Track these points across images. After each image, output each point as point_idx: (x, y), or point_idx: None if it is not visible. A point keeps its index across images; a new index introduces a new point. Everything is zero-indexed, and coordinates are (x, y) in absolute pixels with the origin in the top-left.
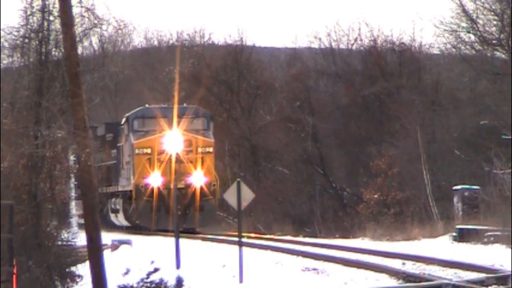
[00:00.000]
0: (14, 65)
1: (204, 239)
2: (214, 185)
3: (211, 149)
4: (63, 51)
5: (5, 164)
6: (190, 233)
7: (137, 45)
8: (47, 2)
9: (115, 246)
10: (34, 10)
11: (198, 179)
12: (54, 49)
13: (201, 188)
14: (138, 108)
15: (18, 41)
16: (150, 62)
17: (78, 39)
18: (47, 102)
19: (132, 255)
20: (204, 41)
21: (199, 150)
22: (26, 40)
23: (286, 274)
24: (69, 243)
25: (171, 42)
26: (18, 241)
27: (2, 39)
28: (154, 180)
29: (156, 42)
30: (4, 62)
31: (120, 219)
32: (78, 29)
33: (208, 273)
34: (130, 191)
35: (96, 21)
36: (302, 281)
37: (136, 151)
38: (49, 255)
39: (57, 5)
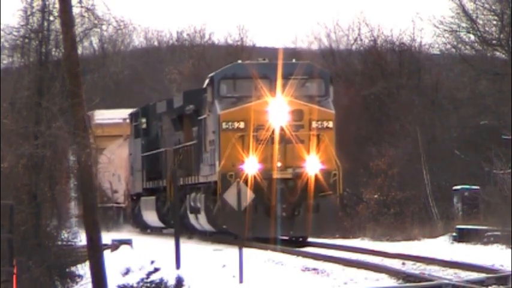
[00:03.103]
0: (14, 65)
1: (204, 239)
2: (335, 174)
3: (330, 124)
4: (63, 51)
5: (5, 164)
6: (300, 244)
7: (137, 46)
8: (47, 2)
9: (115, 246)
10: (34, 10)
11: (312, 166)
12: (54, 49)
13: (317, 179)
14: (227, 66)
15: (18, 41)
16: (150, 62)
17: (78, 39)
18: (47, 102)
19: (132, 255)
20: (204, 41)
21: (314, 125)
22: (26, 40)
23: (286, 274)
24: (69, 243)
25: (171, 42)
26: (18, 241)
27: (2, 39)
28: (249, 167)
29: (156, 43)
30: (4, 62)
31: (201, 222)
32: (78, 29)
33: (209, 273)
34: (215, 182)
35: (96, 22)
36: (302, 281)
37: (224, 125)
38: (49, 255)
39: (57, 5)
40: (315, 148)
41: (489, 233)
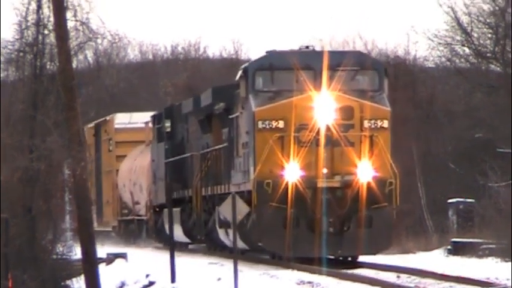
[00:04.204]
0: (9, 79)
1: (198, 252)
2: (391, 183)
3: (386, 123)
4: (58, 64)
5: (7, 174)
6: (350, 264)
7: (132, 59)
8: (41, 16)
9: (110, 260)
10: (29, 24)
11: (364, 172)
12: (49, 63)
13: (369, 188)
14: (263, 55)
15: (13, 55)
16: (145, 76)
17: (73, 52)
18: (42, 115)
19: (127, 269)
20: (199, 54)
21: (366, 124)
22: (21, 54)
23: (281, 287)
24: (64, 256)
25: (165, 56)
26: (14, 254)
27: None
28: (290, 173)
29: (150, 56)
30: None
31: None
32: (73, 43)
33: (204, 286)
34: (249, 191)
35: (91, 35)
36: None
37: (260, 125)
38: (44, 269)
39: (52, 19)
40: (368, 152)
41: (484, 246)
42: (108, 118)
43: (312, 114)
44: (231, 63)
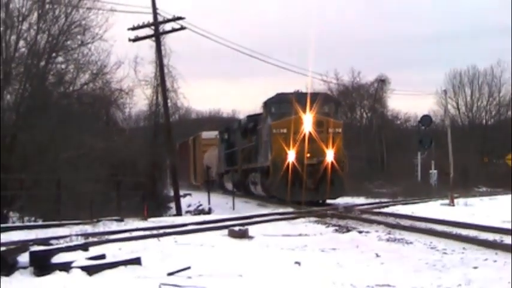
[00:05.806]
0: (145, 125)
1: (218, 193)
2: (343, 161)
3: (340, 130)
4: (164, 121)
5: (143, 163)
6: (321, 204)
7: (193, 117)
8: (157, 100)
9: (184, 195)
10: (152, 104)
11: (329, 156)
12: (161, 119)
13: (332, 164)
14: (274, 94)
15: (147, 116)
16: (200, 124)
17: (170, 115)
18: (158, 141)
19: (191, 199)
20: (219, 116)
21: (330, 130)
22: (149, 116)
23: (250, 206)
24: (167, 194)
25: (206, 116)
26: (147, 195)
27: (140, 117)
28: (290, 156)
29: (201, 117)
30: (141, 124)
31: (258, 190)
32: (170, 111)
33: (220, 206)
34: (268, 166)
35: (176, 108)
36: (256, 208)
37: (274, 131)
38: (159, 199)
39: (161, 102)
40: (331, 145)
41: None
42: (199, 133)
43: (302, 125)
44: (233, 118)
